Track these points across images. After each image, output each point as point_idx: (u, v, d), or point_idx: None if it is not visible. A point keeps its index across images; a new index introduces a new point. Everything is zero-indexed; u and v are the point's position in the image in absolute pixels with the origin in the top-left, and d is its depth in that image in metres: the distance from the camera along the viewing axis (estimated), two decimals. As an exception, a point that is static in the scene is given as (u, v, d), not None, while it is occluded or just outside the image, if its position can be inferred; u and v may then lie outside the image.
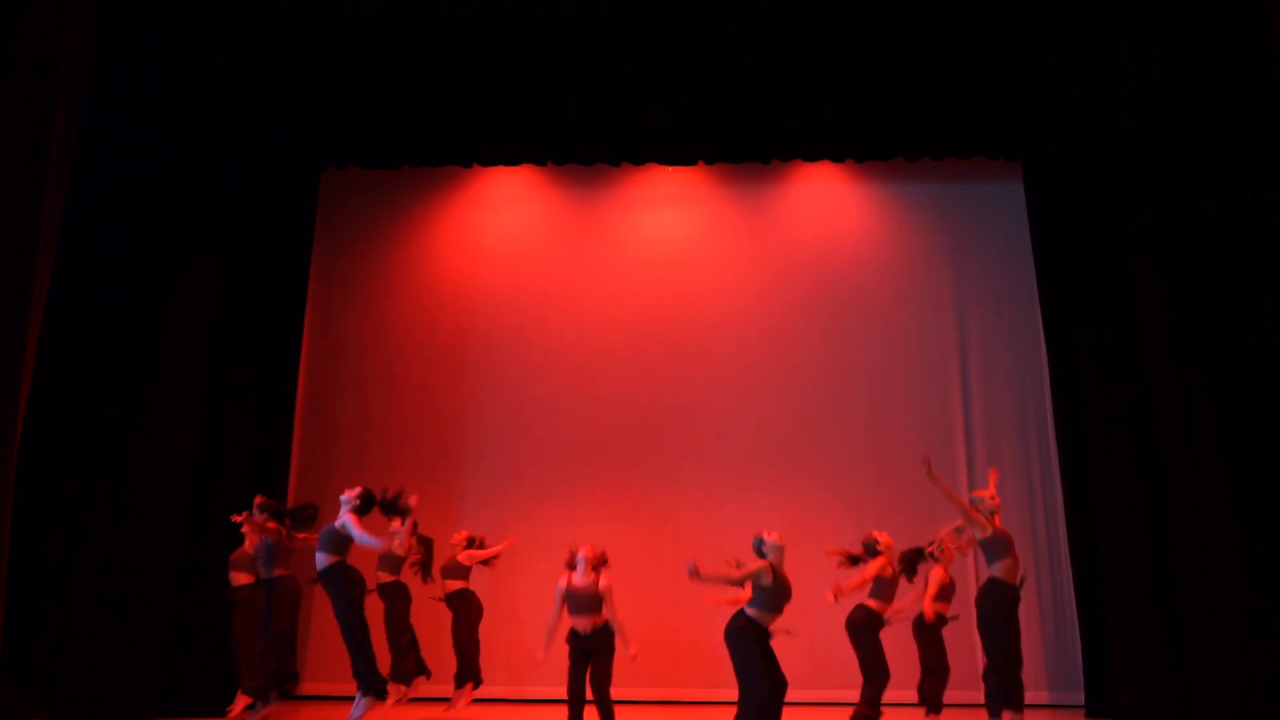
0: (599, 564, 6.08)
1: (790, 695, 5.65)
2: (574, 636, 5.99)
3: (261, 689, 6.26)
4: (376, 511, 6.45)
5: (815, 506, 8.42)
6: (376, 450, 8.76)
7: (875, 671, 6.31)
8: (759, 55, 7.21)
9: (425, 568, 7.05)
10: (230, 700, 6.80)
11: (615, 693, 6.41)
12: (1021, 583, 5.91)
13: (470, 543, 7.14)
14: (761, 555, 5.30)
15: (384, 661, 6.45)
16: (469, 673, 6.84)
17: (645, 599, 8.21)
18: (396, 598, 6.75)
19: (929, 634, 6.53)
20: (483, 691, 7.51)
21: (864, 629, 6.35)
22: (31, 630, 5.88)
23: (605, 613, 5.98)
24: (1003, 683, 5.68)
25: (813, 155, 8.64)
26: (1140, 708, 6.14)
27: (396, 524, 6.61)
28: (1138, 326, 6.47)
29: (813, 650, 7.48)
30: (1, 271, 4.87)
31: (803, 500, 8.44)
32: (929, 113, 7.99)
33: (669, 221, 9.19)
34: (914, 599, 6.65)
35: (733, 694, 5.87)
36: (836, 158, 8.70)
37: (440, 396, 8.87)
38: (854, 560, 6.48)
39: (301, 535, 6.51)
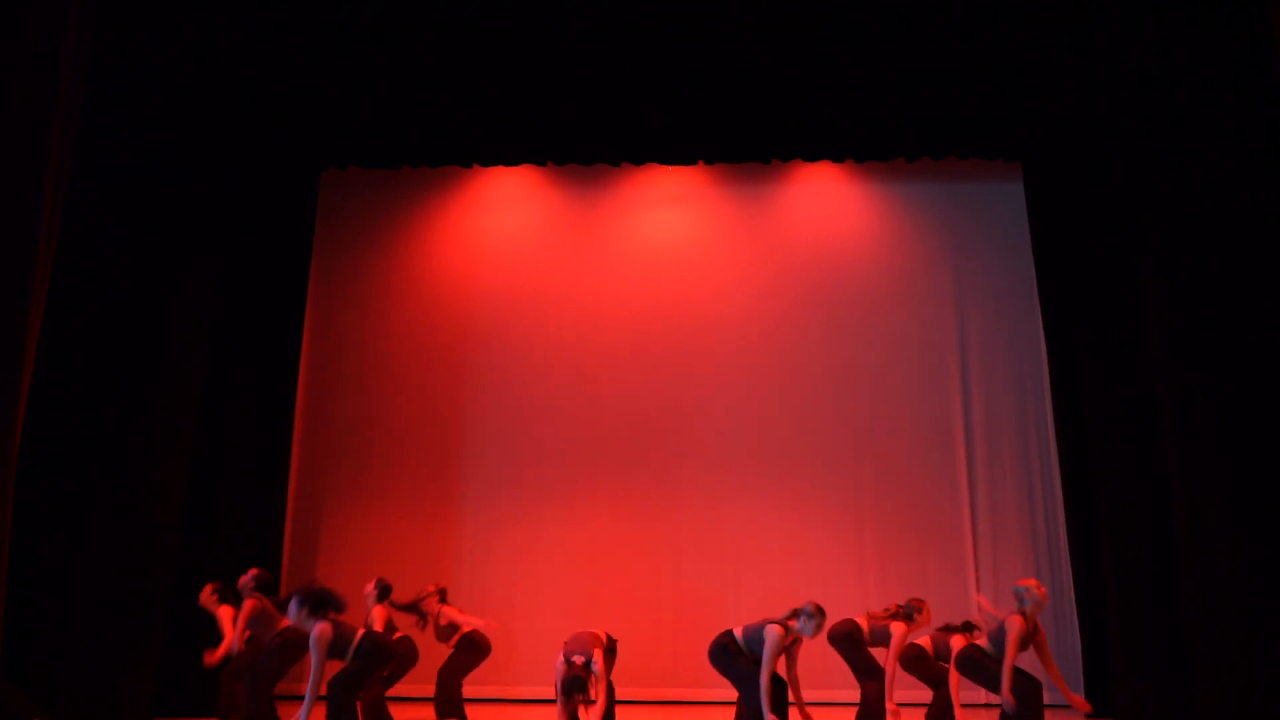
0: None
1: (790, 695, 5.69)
2: None
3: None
4: None
5: (815, 506, 8.43)
6: (376, 450, 8.76)
7: (870, 673, 6.32)
8: (759, 55, 7.21)
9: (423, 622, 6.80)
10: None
11: (616, 693, 6.42)
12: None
13: (442, 595, 6.78)
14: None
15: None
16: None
17: (645, 599, 8.22)
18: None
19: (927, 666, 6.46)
20: (482, 691, 7.53)
21: (845, 640, 6.39)
22: (31, 630, 5.87)
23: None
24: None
25: (813, 155, 8.64)
26: (1140, 708, 6.13)
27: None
28: (1138, 326, 6.47)
29: (813, 650, 7.47)
30: (1, 271, 4.87)
31: (802, 500, 8.44)
32: (929, 113, 7.99)
33: (669, 221, 9.20)
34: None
35: (732, 694, 5.90)
36: (836, 158, 8.70)
37: (440, 396, 8.87)
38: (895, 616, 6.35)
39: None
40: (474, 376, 8.92)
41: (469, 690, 6.77)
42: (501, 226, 9.25)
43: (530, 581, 8.34)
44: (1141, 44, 6.31)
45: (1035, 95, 7.75)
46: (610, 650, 6.34)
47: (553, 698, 5.82)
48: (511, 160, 8.73)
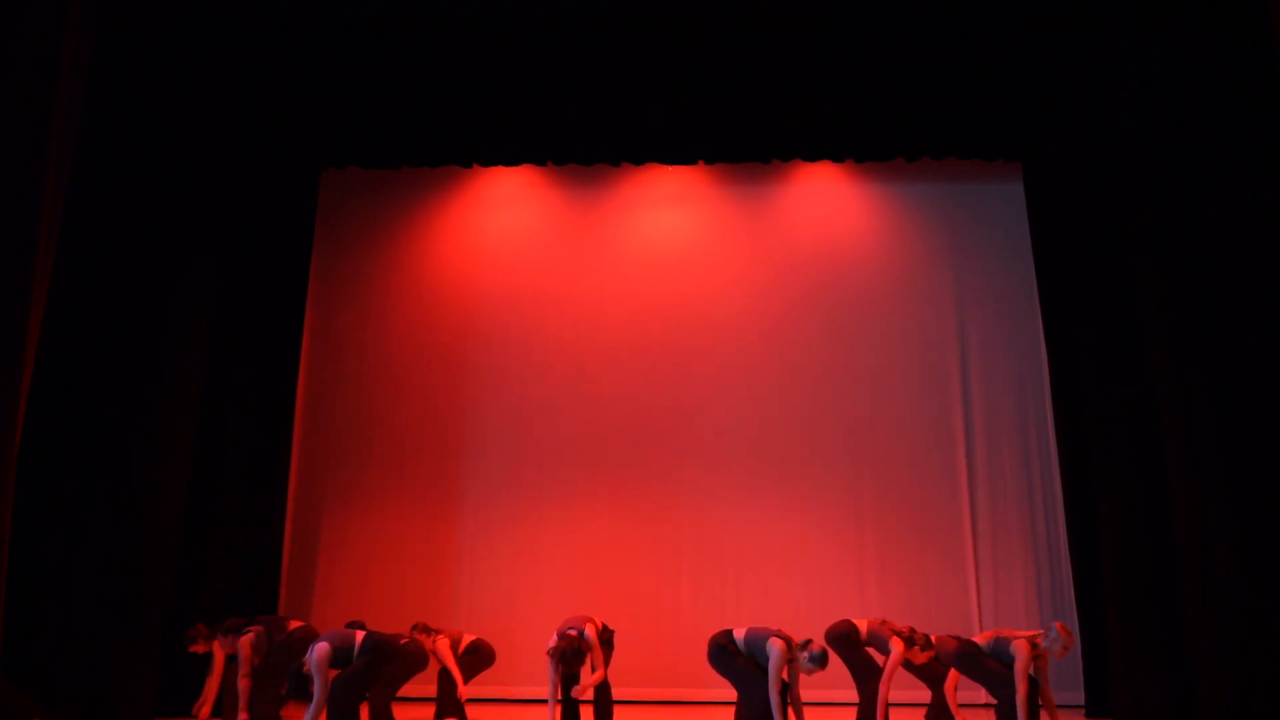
0: None
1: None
2: None
3: None
4: None
5: (815, 506, 8.42)
6: (376, 450, 8.76)
7: (868, 673, 6.32)
8: (759, 55, 7.20)
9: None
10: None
11: (616, 693, 6.43)
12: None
13: (423, 629, 6.72)
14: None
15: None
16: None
17: (645, 599, 8.22)
18: None
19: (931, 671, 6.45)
20: (482, 691, 7.53)
21: (842, 641, 6.39)
22: (31, 630, 5.88)
23: None
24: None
25: (813, 155, 8.64)
26: (1140, 708, 6.13)
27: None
28: (1138, 326, 6.46)
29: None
30: (1, 271, 4.87)
31: (802, 500, 8.44)
32: (929, 113, 7.99)
33: (669, 221, 9.19)
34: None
35: (732, 694, 5.91)
36: (836, 158, 8.70)
37: (440, 397, 8.87)
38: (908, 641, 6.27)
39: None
40: (474, 376, 8.92)
41: (468, 690, 6.77)
42: (501, 226, 9.25)
43: (530, 581, 8.33)
44: (1141, 44, 6.31)
45: (1035, 95, 7.75)
46: (607, 641, 6.35)
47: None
48: (511, 160, 8.72)
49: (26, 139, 5.00)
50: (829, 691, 7.33)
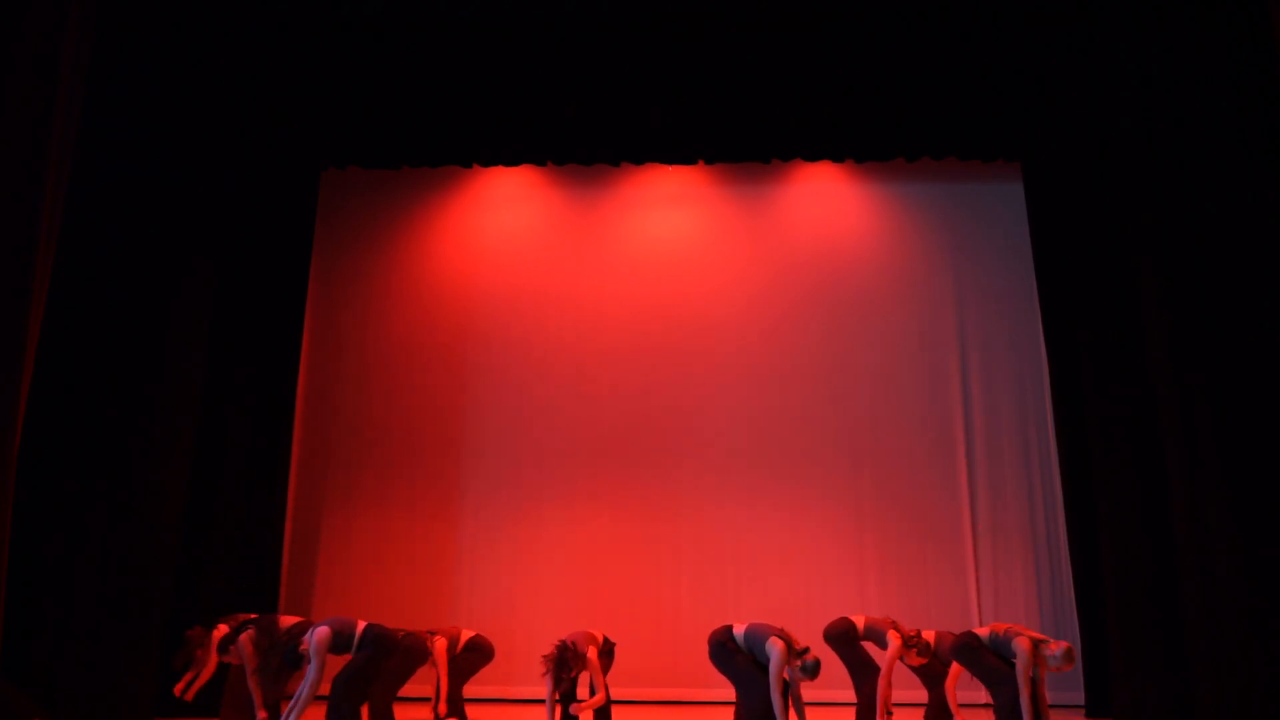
0: None
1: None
2: None
3: None
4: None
5: (815, 506, 8.43)
6: (376, 450, 8.76)
7: (866, 673, 6.32)
8: (759, 55, 7.21)
9: None
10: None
11: (616, 693, 6.43)
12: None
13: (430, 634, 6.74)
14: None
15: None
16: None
17: (645, 599, 8.23)
18: None
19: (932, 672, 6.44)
20: (482, 691, 7.53)
21: (841, 639, 6.40)
22: (31, 630, 5.87)
23: None
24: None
25: (813, 155, 8.64)
26: (1140, 708, 6.13)
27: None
28: (1138, 326, 6.47)
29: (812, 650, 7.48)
30: (1, 271, 4.87)
31: (802, 500, 8.44)
32: (929, 113, 7.99)
33: (669, 221, 9.20)
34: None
35: (732, 694, 5.90)
36: (836, 158, 8.71)
37: (440, 396, 8.87)
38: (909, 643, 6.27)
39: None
40: (474, 376, 8.93)
41: (469, 690, 6.78)
42: (501, 226, 9.25)
43: (530, 581, 8.34)
44: (1141, 44, 6.31)
45: (1035, 95, 7.75)
46: (608, 652, 6.34)
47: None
48: (511, 160, 8.73)
49: (26, 139, 5.00)
50: (829, 692, 7.32)
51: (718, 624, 6.10)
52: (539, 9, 6.80)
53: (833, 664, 6.63)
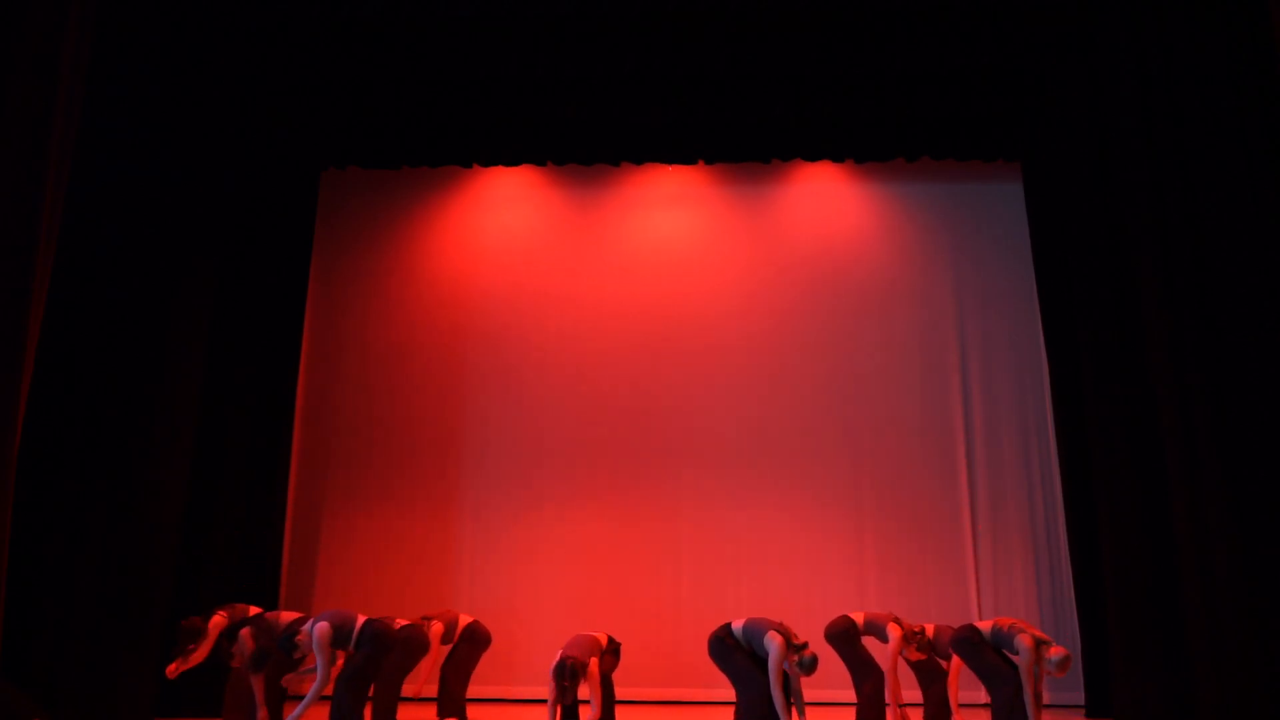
0: None
1: (790, 695, 5.68)
2: None
3: None
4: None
5: (815, 506, 8.42)
6: (377, 450, 8.76)
7: (866, 672, 6.31)
8: (759, 55, 7.21)
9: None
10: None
11: (617, 693, 6.42)
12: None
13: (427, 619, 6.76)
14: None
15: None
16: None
17: (645, 599, 8.23)
18: None
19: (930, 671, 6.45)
20: (482, 691, 7.53)
21: (841, 638, 6.40)
22: (31, 630, 5.87)
23: None
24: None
25: (813, 155, 8.64)
26: (1140, 708, 6.13)
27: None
28: (1138, 326, 6.46)
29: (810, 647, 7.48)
30: (1, 271, 4.87)
31: (802, 500, 8.44)
32: (929, 113, 7.99)
33: (669, 221, 9.19)
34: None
35: (731, 694, 5.90)
36: (836, 158, 8.70)
37: (440, 396, 8.87)
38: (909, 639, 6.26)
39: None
40: (474, 376, 8.92)
41: (471, 690, 6.76)
42: (501, 226, 9.25)
43: (530, 581, 8.33)
44: (1141, 44, 6.31)
45: (1035, 95, 7.75)
46: (613, 652, 6.33)
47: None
48: (511, 160, 8.72)
49: (26, 139, 5.00)
50: (829, 691, 7.33)
51: (718, 624, 6.10)
52: (539, 9, 6.80)
53: (833, 663, 6.63)
